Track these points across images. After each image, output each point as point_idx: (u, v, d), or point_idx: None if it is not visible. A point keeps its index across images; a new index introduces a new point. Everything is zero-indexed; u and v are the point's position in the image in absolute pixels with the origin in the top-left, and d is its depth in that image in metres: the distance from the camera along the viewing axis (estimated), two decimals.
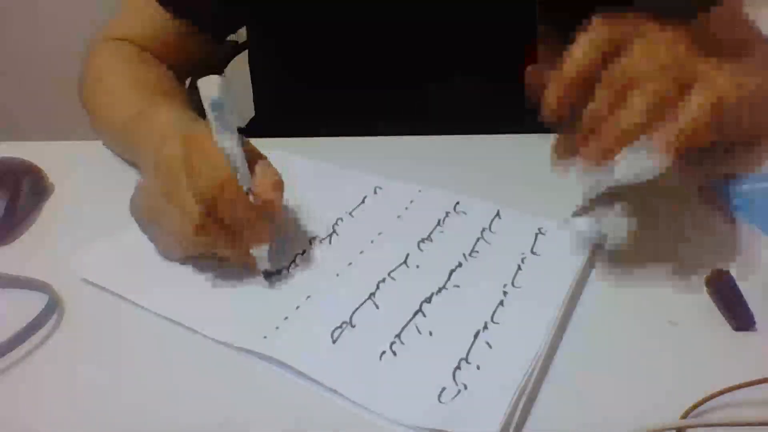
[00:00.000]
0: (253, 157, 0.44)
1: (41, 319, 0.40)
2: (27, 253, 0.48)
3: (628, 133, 0.38)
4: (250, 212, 0.41)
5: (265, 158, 0.45)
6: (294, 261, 0.46)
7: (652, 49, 0.40)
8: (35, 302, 0.41)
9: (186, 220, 0.40)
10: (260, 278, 0.44)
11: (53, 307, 0.41)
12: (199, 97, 0.42)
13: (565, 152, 0.42)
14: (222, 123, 0.41)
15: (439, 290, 0.43)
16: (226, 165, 0.41)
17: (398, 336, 0.39)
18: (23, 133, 1.60)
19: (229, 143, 0.41)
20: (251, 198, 0.42)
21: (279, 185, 0.43)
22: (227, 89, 0.41)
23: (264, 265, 0.44)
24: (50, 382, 0.37)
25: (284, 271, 0.45)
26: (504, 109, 0.67)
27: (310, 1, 0.66)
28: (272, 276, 0.44)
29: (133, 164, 0.57)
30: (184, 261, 0.45)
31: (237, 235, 0.42)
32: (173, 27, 0.66)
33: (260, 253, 0.43)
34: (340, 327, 0.40)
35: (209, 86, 0.41)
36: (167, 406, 0.36)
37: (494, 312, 0.41)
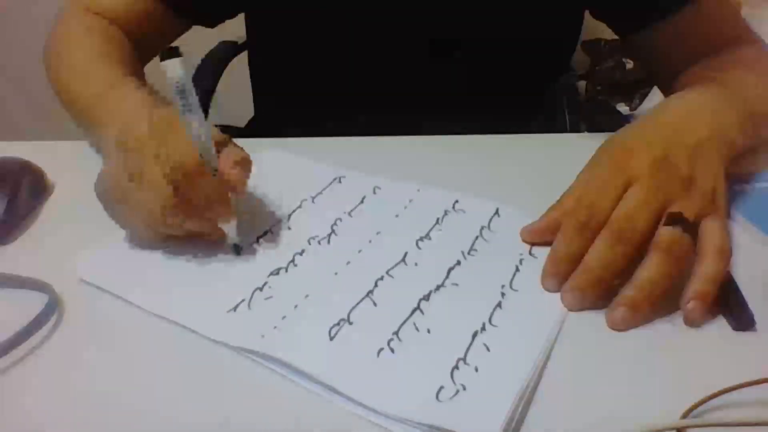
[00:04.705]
0: (221, 140, 0.45)
1: (41, 319, 0.40)
2: (27, 253, 0.48)
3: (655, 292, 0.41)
4: (214, 191, 0.43)
5: (233, 141, 0.46)
6: (293, 261, 0.46)
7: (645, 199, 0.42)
8: (35, 302, 0.41)
9: (156, 199, 0.41)
10: (258, 276, 0.44)
11: (53, 307, 0.41)
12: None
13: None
14: (186, 104, 0.41)
15: (438, 288, 0.43)
16: (192, 145, 0.42)
17: (396, 333, 0.39)
18: (23, 133, 1.61)
19: (195, 123, 0.42)
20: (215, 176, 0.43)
21: (244, 162, 0.44)
22: (189, 70, 0.41)
23: (233, 238, 0.45)
24: (50, 383, 0.37)
25: (253, 245, 0.47)
26: (504, 109, 0.67)
27: (309, 1, 0.66)
28: (240, 249, 0.46)
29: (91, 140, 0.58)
30: (166, 249, 0.46)
31: (204, 212, 0.43)
32: (145, 4, 0.65)
33: (229, 227, 0.45)
34: (338, 324, 0.40)
35: (172, 68, 0.40)
36: (166, 406, 0.36)
37: (492, 314, 0.41)
